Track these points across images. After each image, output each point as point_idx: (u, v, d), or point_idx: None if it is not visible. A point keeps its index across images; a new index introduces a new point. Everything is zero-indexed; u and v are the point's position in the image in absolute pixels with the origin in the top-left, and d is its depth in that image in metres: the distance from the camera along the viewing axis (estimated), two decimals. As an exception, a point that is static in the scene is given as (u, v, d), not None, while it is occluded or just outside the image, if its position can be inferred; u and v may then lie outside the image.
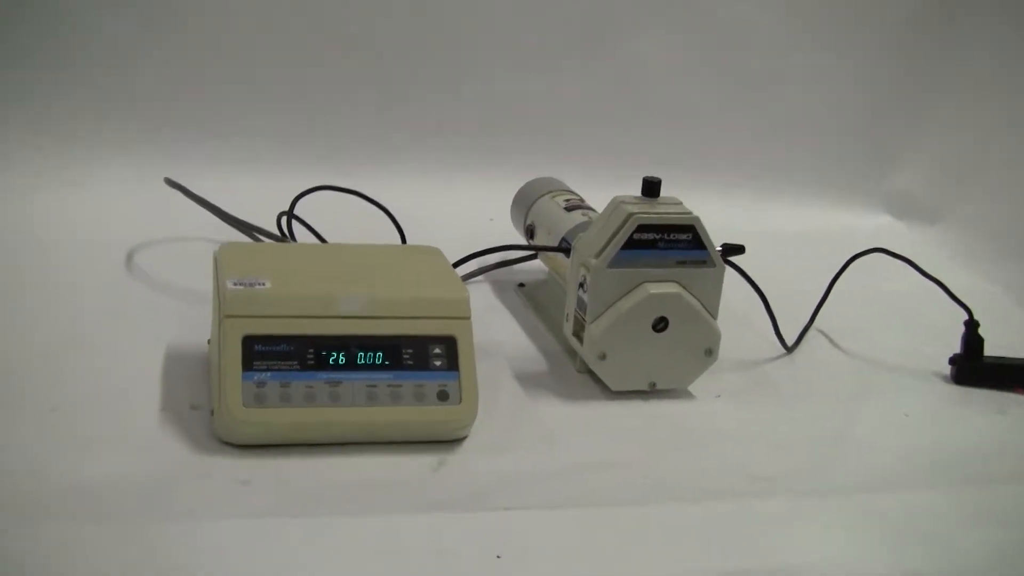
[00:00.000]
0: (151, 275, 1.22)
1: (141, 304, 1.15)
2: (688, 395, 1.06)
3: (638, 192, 1.01)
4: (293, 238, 1.24)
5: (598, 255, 0.99)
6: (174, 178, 1.28)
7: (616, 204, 1.01)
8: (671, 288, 0.99)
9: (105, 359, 1.01)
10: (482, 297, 1.26)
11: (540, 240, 1.24)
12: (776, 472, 0.94)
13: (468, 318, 0.93)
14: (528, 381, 1.06)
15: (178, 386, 0.97)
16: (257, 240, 1.28)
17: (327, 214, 1.26)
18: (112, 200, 1.40)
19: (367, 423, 0.90)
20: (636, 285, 0.99)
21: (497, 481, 0.88)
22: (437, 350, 0.92)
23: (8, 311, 1.10)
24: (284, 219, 1.24)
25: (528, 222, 1.28)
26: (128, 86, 1.48)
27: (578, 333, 1.03)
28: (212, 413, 0.90)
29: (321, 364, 0.89)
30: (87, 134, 1.46)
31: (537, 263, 1.30)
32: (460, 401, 0.91)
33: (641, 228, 0.98)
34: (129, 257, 1.26)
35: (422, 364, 0.91)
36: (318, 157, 1.53)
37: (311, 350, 0.89)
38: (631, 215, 0.98)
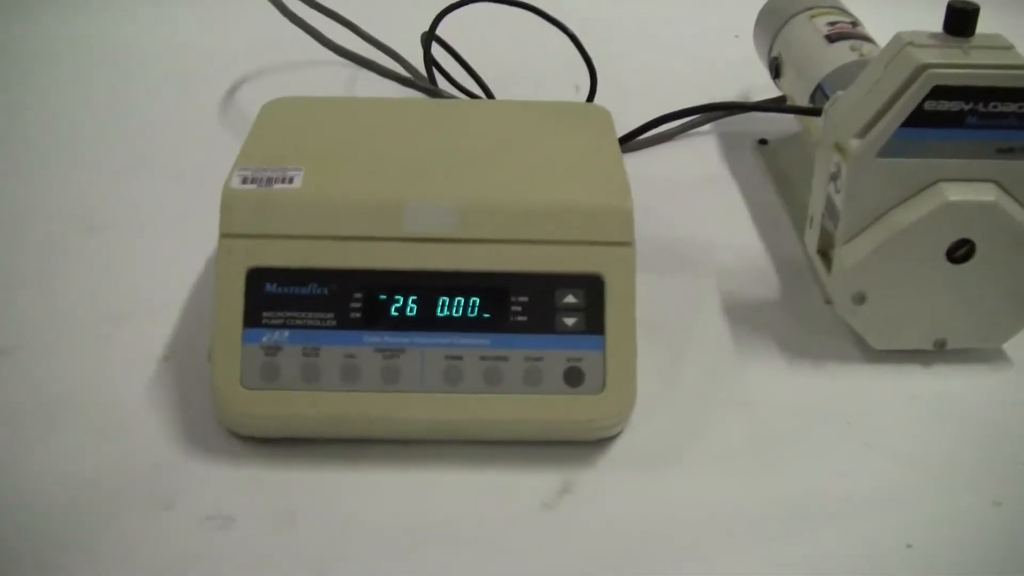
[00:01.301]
0: (235, 128, 0.93)
1: (211, 173, 0.83)
2: (1001, 361, 0.68)
3: (938, 25, 0.65)
4: (432, 73, 0.94)
5: (862, 133, 0.63)
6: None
7: (900, 46, 0.64)
8: (984, 193, 0.64)
9: (125, 256, 0.75)
10: (700, 159, 0.91)
11: (787, 81, 0.88)
12: None
13: (630, 244, 0.59)
14: (743, 319, 0.70)
15: (205, 317, 0.66)
16: (409, 79, 0.96)
17: (491, 40, 0.96)
18: (201, 17, 1.12)
19: (444, 420, 0.57)
20: (925, 186, 0.64)
21: (652, 530, 0.54)
22: (570, 298, 0.58)
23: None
24: (426, 43, 0.93)
25: (774, 53, 0.92)
26: None
27: (826, 251, 0.68)
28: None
29: (373, 318, 0.58)
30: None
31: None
32: (603, 386, 0.58)
33: (939, 91, 0.62)
34: (220, 97, 0.97)
35: (542, 322, 0.58)
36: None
37: (357, 295, 0.58)
38: (923, 67, 0.61)
